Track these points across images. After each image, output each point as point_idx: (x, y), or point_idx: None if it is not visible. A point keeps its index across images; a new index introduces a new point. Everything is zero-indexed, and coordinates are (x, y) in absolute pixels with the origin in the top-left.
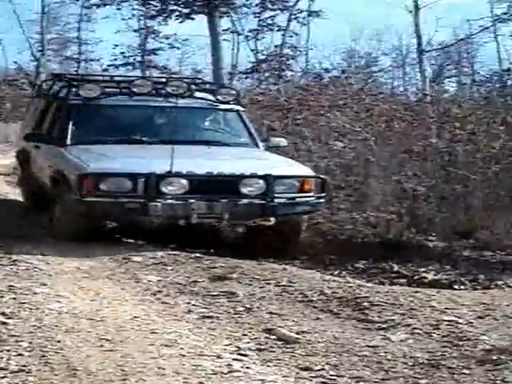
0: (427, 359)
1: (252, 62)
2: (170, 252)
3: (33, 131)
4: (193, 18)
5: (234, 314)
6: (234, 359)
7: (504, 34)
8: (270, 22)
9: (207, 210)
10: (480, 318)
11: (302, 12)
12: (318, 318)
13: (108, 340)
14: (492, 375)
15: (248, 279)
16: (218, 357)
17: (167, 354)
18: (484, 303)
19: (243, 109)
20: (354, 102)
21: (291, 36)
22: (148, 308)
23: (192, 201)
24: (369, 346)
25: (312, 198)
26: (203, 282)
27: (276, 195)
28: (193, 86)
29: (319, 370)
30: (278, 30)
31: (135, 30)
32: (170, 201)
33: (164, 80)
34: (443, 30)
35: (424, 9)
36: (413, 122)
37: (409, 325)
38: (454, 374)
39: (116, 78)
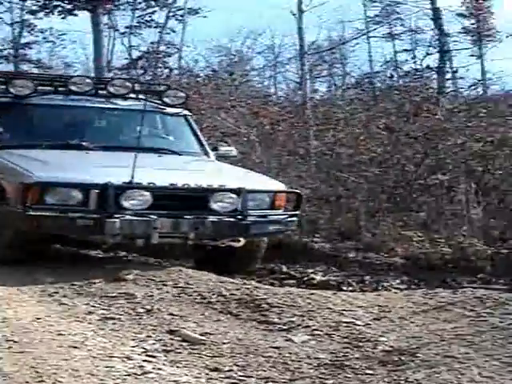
0: (330, 360)
1: (127, 58)
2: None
3: None
4: (76, 15)
5: (135, 315)
6: (144, 360)
7: (376, 36)
8: (148, 18)
9: (171, 229)
10: (377, 319)
11: (181, 9)
12: (218, 320)
13: (16, 342)
14: (395, 375)
15: (144, 280)
16: (129, 358)
17: (78, 356)
18: (379, 305)
19: (190, 114)
20: (240, 103)
21: (168, 33)
22: (47, 309)
23: (154, 217)
24: (273, 347)
25: (285, 216)
26: (99, 283)
27: (249, 212)
28: (137, 87)
29: (228, 371)
30: (155, 27)
31: (11, 24)
32: (129, 217)
33: (106, 79)
34: (316, 31)
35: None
36: (295, 124)
37: (309, 326)
38: (358, 374)
39: (52, 75)
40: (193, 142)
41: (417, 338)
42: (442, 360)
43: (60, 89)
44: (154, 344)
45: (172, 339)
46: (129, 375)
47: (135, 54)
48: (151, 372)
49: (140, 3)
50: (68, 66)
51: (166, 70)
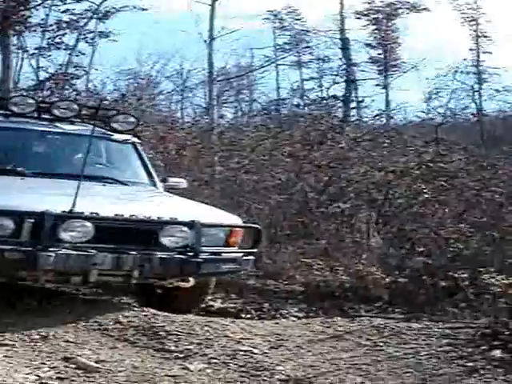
0: None
1: (34, 79)
2: None
3: None
4: None
5: (30, 341)
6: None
7: (284, 63)
8: (58, 40)
9: (112, 266)
10: (274, 348)
11: (91, 32)
12: (115, 347)
13: None
14: None
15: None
16: None
17: None
18: (277, 333)
19: (139, 141)
20: (146, 127)
21: (77, 55)
22: None
23: (93, 252)
24: (169, 376)
25: (239, 254)
26: None
27: (201, 249)
28: (84, 111)
29: None
30: (65, 49)
31: None
32: (65, 251)
33: (51, 100)
34: (226, 57)
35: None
36: (200, 150)
37: (206, 354)
38: None
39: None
40: (141, 172)
41: (313, 367)
42: None
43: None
44: (48, 371)
45: (66, 366)
46: None
47: (43, 75)
48: None
49: (51, 25)
50: None
51: (74, 93)
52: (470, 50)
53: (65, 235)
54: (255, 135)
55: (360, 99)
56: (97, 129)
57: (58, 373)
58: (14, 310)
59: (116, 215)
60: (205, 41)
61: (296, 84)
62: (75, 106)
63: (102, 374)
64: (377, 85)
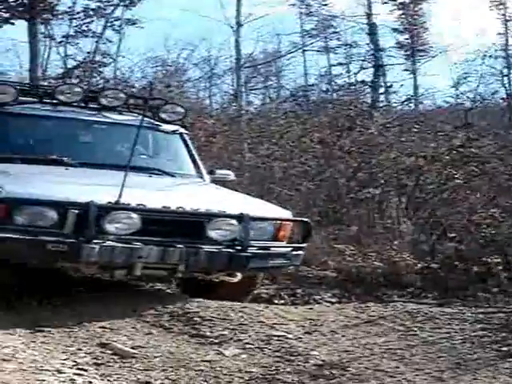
0: (262, 374)
1: (62, 67)
2: None
3: None
4: (13, 23)
5: (66, 328)
6: (74, 374)
7: (311, 49)
8: (85, 28)
9: (158, 259)
10: (308, 333)
11: (118, 20)
12: (150, 333)
13: None
14: None
15: (74, 292)
16: (59, 371)
17: (9, 369)
18: (311, 319)
19: (187, 132)
20: None
21: (105, 43)
22: None
23: (139, 245)
24: (204, 361)
25: (289, 249)
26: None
27: (250, 242)
28: (132, 100)
29: None
30: (92, 37)
31: None
32: (110, 243)
33: (97, 89)
34: (253, 43)
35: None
36: (229, 137)
37: (240, 340)
38: None
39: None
40: (188, 164)
41: (348, 352)
42: (372, 374)
43: (46, 98)
44: (84, 357)
45: (103, 352)
46: None
47: (71, 63)
48: None
49: (78, 13)
50: (1, 74)
51: (102, 80)
52: (499, 34)
53: (110, 227)
54: (284, 122)
55: (388, 84)
56: (145, 119)
57: (95, 358)
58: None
59: (163, 207)
60: (232, 27)
61: (324, 70)
62: (122, 95)
63: (137, 359)
64: (405, 70)
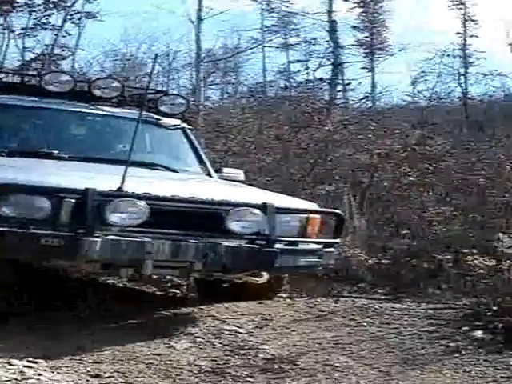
0: (211, 367)
1: (20, 60)
2: None
3: None
4: None
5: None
6: (24, 366)
7: (271, 45)
8: (44, 20)
9: (171, 255)
10: (259, 327)
11: (78, 13)
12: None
13: None
14: (275, 383)
15: None
16: (9, 364)
17: None
18: (261, 313)
19: (190, 127)
20: None
21: (64, 36)
22: None
23: (148, 239)
24: (154, 354)
25: (319, 246)
26: None
27: (277, 237)
28: (127, 90)
29: (109, 377)
30: (51, 30)
31: None
32: (113, 236)
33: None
34: (212, 38)
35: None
36: None
37: (191, 333)
38: (238, 381)
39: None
40: (192, 160)
41: (297, 347)
42: (321, 368)
43: (33, 88)
44: (33, 349)
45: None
46: (9, 381)
47: (29, 56)
48: (32, 378)
49: (38, 5)
50: None
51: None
52: (458, 33)
53: (113, 217)
54: (241, 117)
55: (346, 82)
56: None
57: (45, 350)
58: None
59: (174, 195)
60: (192, 22)
61: (282, 66)
62: (117, 85)
63: (87, 352)
64: (363, 68)
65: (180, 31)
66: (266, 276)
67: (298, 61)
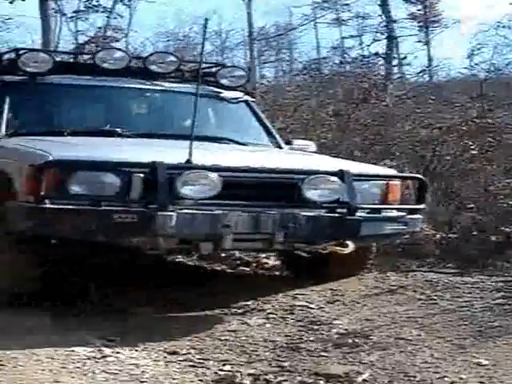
0: (286, 343)
1: (74, 43)
2: None
3: None
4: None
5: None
6: (102, 344)
7: (323, 22)
8: (95, 3)
9: (250, 227)
10: (330, 303)
11: None
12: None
13: None
14: (350, 357)
15: None
16: (87, 342)
17: (38, 342)
18: (332, 289)
19: (253, 99)
20: None
21: (115, 18)
22: None
23: (224, 212)
24: (229, 331)
25: (403, 212)
26: None
27: (358, 205)
28: (183, 65)
29: (185, 354)
30: (102, 12)
31: None
32: (188, 210)
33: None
34: (263, 17)
35: None
36: None
37: (264, 310)
38: (313, 356)
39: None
40: (260, 133)
41: (370, 321)
42: (394, 342)
43: (86, 67)
44: (112, 327)
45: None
46: (88, 359)
47: (82, 39)
48: (110, 356)
49: None
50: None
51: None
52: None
53: (184, 190)
54: (298, 94)
55: (402, 56)
56: (202, 85)
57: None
58: None
59: (246, 166)
60: (242, 0)
61: (336, 42)
62: (174, 59)
63: (162, 330)
64: (418, 41)
65: (230, 11)
66: (351, 246)
67: (352, 36)
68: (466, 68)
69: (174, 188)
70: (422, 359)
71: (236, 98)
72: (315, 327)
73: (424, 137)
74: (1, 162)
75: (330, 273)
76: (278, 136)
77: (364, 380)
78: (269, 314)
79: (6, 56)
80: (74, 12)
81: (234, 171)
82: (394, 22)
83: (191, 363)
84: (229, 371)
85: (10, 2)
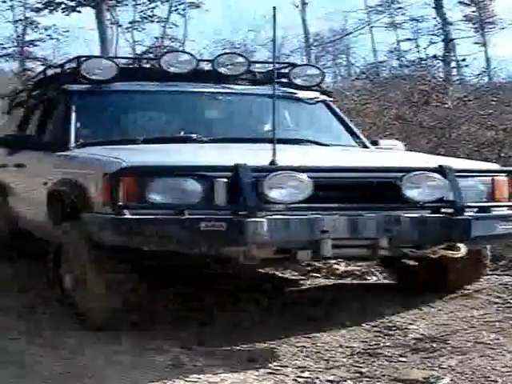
0: (363, 348)
1: (132, 53)
2: None
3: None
4: (79, 11)
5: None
6: (179, 352)
7: (378, 25)
8: (149, 13)
9: (349, 232)
10: (403, 307)
11: (182, 3)
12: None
13: None
14: (429, 362)
15: None
16: (164, 350)
17: (117, 351)
18: (402, 293)
19: (331, 98)
20: None
21: (171, 27)
22: None
23: (319, 216)
24: (305, 337)
25: None
26: None
27: (464, 203)
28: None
29: (263, 361)
30: (157, 22)
31: (14, 22)
32: (278, 216)
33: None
34: (316, 22)
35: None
36: None
37: (338, 315)
38: (391, 361)
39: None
40: (342, 133)
41: (446, 326)
42: (473, 346)
43: (153, 71)
44: (188, 336)
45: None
46: (167, 367)
47: (140, 49)
48: (188, 364)
49: None
50: None
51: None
52: None
53: (272, 194)
54: (358, 99)
55: (461, 58)
56: (276, 87)
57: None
58: None
59: (338, 165)
60: (297, 6)
61: (393, 46)
62: (243, 60)
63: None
64: (476, 43)
65: (283, 17)
66: (463, 249)
67: (408, 39)
68: None
69: (260, 192)
70: (502, 363)
71: (313, 99)
72: (391, 332)
73: (489, 139)
74: (74, 173)
75: (448, 282)
76: (362, 136)
77: None
78: (343, 319)
79: (68, 65)
80: (130, 23)
81: (325, 171)
82: (450, 24)
83: (269, 370)
84: (308, 378)
85: (66, 15)
